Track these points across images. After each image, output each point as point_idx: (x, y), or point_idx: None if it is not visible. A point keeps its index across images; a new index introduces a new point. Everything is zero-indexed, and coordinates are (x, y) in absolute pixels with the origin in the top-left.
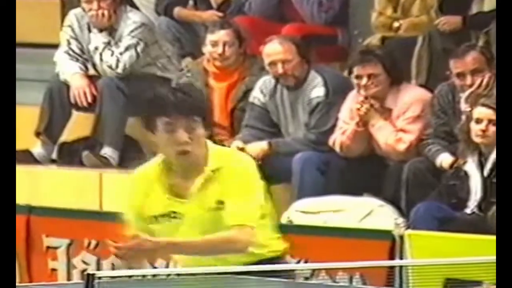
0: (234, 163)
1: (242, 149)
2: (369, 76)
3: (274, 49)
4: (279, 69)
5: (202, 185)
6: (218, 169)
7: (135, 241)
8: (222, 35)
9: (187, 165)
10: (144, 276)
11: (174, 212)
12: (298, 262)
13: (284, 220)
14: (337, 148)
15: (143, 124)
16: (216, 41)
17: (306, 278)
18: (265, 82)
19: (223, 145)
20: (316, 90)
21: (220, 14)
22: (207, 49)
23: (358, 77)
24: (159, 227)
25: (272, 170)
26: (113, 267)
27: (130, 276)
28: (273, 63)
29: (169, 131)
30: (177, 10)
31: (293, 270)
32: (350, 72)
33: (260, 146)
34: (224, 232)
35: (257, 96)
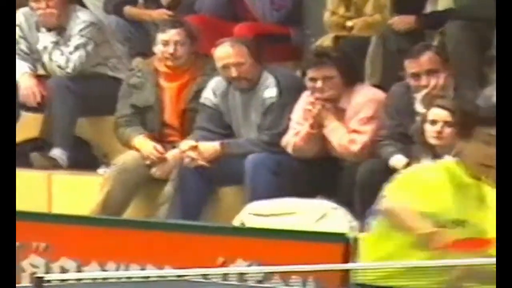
0: None
1: (195, 147)
2: (324, 79)
3: (225, 52)
4: (232, 72)
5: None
6: None
7: None
8: (173, 34)
9: None
10: (94, 279)
11: (464, 221)
12: (251, 265)
13: (236, 222)
14: (290, 150)
15: None
16: (167, 41)
17: (259, 282)
18: (217, 83)
19: (174, 146)
20: (269, 91)
21: (170, 12)
22: (158, 48)
23: (313, 79)
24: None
25: (224, 171)
26: (63, 270)
27: (79, 279)
28: (225, 67)
29: None
30: (127, 9)
31: (245, 273)
32: (303, 74)
33: (212, 147)
34: None
35: (208, 97)
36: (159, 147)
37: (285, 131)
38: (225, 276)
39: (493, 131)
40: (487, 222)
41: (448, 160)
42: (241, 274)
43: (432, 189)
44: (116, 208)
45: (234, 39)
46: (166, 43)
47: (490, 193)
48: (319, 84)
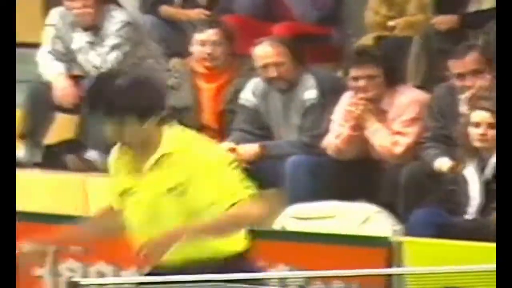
0: (188, 146)
1: (233, 150)
2: (367, 78)
3: (265, 51)
4: (271, 72)
5: (152, 167)
6: (170, 154)
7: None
8: (210, 34)
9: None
10: (131, 283)
11: (131, 189)
12: (292, 270)
13: (277, 226)
14: (330, 152)
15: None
16: (204, 41)
17: (300, 287)
18: (255, 84)
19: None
20: (309, 92)
21: (208, 12)
22: (195, 48)
23: (355, 78)
24: (124, 204)
25: (264, 174)
26: (100, 275)
27: (116, 284)
28: (265, 66)
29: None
30: (163, 9)
31: (286, 278)
32: (345, 73)
33: (251, 149)
34: (231, 211)
35: (247, 98)
36: None
37: (325, 132)
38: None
39: None
40: None
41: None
42: (282, 279)
43: None
44: None
45: (274, 38)
46: (203, 44)
47: None
48: (361, 83)
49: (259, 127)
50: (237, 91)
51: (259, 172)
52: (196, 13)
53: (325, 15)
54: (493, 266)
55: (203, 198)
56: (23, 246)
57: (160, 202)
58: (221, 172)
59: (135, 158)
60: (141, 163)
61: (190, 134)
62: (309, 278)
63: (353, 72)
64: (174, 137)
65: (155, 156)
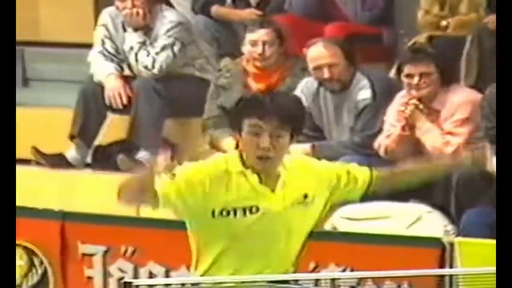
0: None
1: None
2: (421, 75)
3: (318, 52)
4: (325, 73)
5: (286, 180)
6: (293, 162)
7: None
8: (262, 34)
9: (263, 170)
10: (183, 284)
11: (256, 206)
12: (344, 270)
13: (328, 227)
14: (382, 152)
15: (232, 125)
16: (255, 41)
17: (352, 287)
18: (307, 84)
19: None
20: (363, 93)
21: (259, 12)
22: (246, 48)
23: (409, 76)
24: (227, 222)
25: None
26: (151, 275)
27: (168, 285)
28: (318, 68)
29: (253, 134)
30: (215, 9)
31: (337, 279)
32: (399, 72)
33: (303, 149)
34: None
35: None
36: None
37: (378, 133)
38: (316, 281)
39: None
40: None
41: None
42: (333, 279)
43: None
44: None
45: (327, 39)
46: (254, 43)
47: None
48: (415, 80)
49: (310, 128)
50: (288, 91)
51: None
52: (248, 13)
53: (376, 16)
54: None
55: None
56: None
57: (290, 215)
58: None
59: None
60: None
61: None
62: (361, 279)
63: (407, 70)
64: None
65: (283, 171)
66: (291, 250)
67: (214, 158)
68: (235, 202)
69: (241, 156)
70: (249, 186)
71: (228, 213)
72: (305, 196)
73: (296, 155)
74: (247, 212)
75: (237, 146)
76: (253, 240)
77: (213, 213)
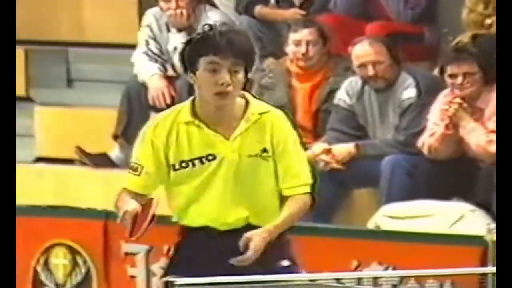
0: (278, 113)
1: (328, 150)
2: (465, 75)
3: (364, 50)
4: (370, 71)
5: (246, 129)
6: (264, 113)
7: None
8: (305, 34)
9: (222, 107)
10: (224, 283)
11: (211, 154)
12: (386, 269)
13: (371, 225)
14: (425, 151)
15: (187, 66)
16: (299, 41)
17: (394, 286)
18: (351, 83)
19: (306, 148)
20: (408, 91)
21: (303, 12)
22: (290, 48)
23: (453, 76)
24: (186, 173)
25: (358, 173)
26: None
27: (210, 284)
28: (363, 65)
29: (211, 71)
30: (258, 9)
31: (379, 278)
32: (441, 71)
33: (346, 148)
34: (298, 201)
35: (342, 98)
36: None
37: (421, 132)
38: (359, 280)
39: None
40: None
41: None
42: (376, 278)
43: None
44: None
45: (372, 37)
46: (298, 43)
47: None
48: (459, 80)
49: (354, 128)
50: (332, 91)
51: (353, 172)
52: (292, 13)
53: (419, 14)
54: None
55: (290, 166)
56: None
57: (252, 165)
58: (300, 148)
59: (216, 123)
60: (224, 128)
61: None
62: (403, 277)
63: (450, 69)
64: (262, 103)
65: (250, 116)
66: (263, 200)
67: (162, 114)
68: (190, 153)
69: (192, 107)
70: (201, 135)
71: (187, 165)
72: (264, 150)
73: (271, 109)
74: (204, 160)
75: None
76: (221, 185)
77: (173, 167)
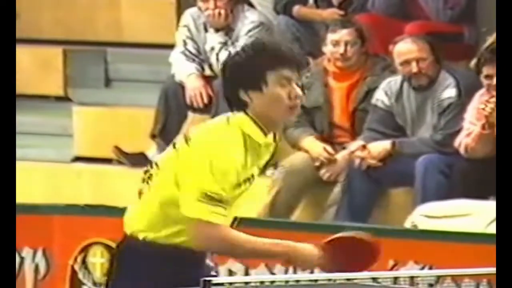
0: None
1: (364, 147)
2: None
3: (407, 48)
4: (413, 68)
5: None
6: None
7: None
8: (343, 34)
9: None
10: (262, 282)
11: (252, 175)
12: (423, 268)
13: (408, 224)
14: (462, 151)
15: (246, 85)
16: (337, 41)
17: (430, 285)
18: (389, 84)
19: (344, 148)
20: (448, 91)
21: (341, 12)
22: (327, 48)
23: (489, 76)
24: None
25: (394, 172)
26: (230, 273)
27: (247, 283)
28: (406, 62)
29: (283, 85)
30: (297, 9)
31: (416, 277)
32: (478, 72)
33: (382, 146)
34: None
35: (380, 98)
36: (329, 148)
37: (459, 132)
38: (395, 279)
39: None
40: None
41: (239, 115)
42: (412, 277)
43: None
44: (284, 210)
45: (415, 35)
46: (336, 44)
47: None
48: (495, 81)
49: (392, 128)
50: (369, 91)
51: (390, 171)
52: (330, 13)
53: (458, 14)
54: None
55: None
56: None
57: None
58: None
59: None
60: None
61: None
62: (439, 276)
63: (486, 70)
64: None
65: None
66: None
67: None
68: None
69: (256, 124)
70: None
71: (249, 179)
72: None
73: None
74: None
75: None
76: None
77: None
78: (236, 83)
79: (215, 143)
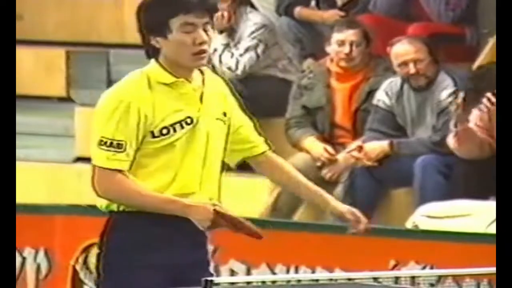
0: (222, 77)
1: (360, 147)
2: None
3: (404, 49)
4: (411, 69)
5: (208, 93)
6: (212, 79)
7: None
8: (349, 34)
9: (194, 68)
10: (263, 282)
11: (189, 117)
12: (424, 268)
13: (409, 225)
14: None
15: (151, 30)
16: (343, 41)
17: (432, 285)
18: (390, 84)
19: (345, 148)
20: (446, 92)
21: (342, 13)
22: (332, 48)
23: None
24: (166, 141)
25: (396, 172)
26: (232, 273)
27: (248, 283)
28: (404, 64)
29: (188, 32)
30: (298, 10)
31: (417, 277)
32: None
33: (380, 146)
34: (278, 157)
35: (381, 98)
36: (330, 148)
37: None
38: (396, 279)
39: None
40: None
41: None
42: (413, 277)
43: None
44: (286, 210)
45: (412, 36)
46: (341, 43)
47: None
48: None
49: (393, 128)
50: (371, 91)
51: (391, 171)
52: (331, 14)
53: (460, 15)
54: None
55: (250, 126)
56: None
57: (219, 130)
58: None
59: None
60: (194, 90)
61: None
62: (441, 276)
63: None
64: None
65: (209, 78)
66: (216, 170)
67: (128, 79)
68: (171, 117)
69: (164, 69)
70: (181, 96)
71: (168, 131)
72: (224, 114)
73: (211, 74)
74: (184, 124)
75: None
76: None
77: (152, 134)
78: (145, 30)
79: (114, 91)
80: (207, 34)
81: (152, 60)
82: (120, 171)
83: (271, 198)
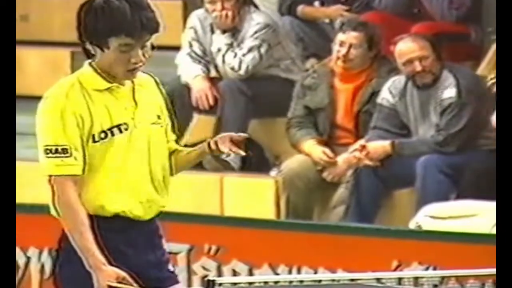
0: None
1: (363, 147)
2: None
3: (408, 47)
4: (417, 66)
5: (142, 96)
6: (145, 82)
7: None
8: (350, 36)
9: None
10: (265, 282)
11: (125, 123)
12: (427, 269)
13: (412, 225)
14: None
15: (93, 40)
16: (343, 41)
17: (435, 286)
18: (394, 83)
19: (346, 149)
20: (448, 91)
21: (346, 8)
22: (335, 48)
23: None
24: (105, 145)
25: (399, 173)
26: (234, 274)
27: (251, 283)
28: (409, 62)
29: (125, 51)
30: (301, 8)
31: (420, 278)
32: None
33: (381, 146)
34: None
35: (385, 97)
36: (328, 151)
37: (460, 131)
38: (399, 280)
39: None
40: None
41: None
42: (416, 278)
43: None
44: (292, 212)
45: (414, 34)
46: (342, 44)
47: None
48: (495, 81)
49: (397, 126)
50: (374, 93)
51: (395, 172)
52: (334, 10)
53: (463, 14)
54: None
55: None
56: None
57: (155, 134)
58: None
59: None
60: (126, 96)
61: None
62: (444, 277)
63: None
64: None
65: (142, 82)
66: (163, 174)
67: (61, 85)
68: (111, 122)
69: (98, 74)
70: (116, 101)
71: (106, 135)
72: (159, 117)
73: (141, 74)
74: (122, 129)
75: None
76: (127, 159)
77: (93, 138)
78: (83, 33)
79: (48, 100)
80: (144, 52)
81: (86, 63)
82: (73, 176)
83: (282, 204)
